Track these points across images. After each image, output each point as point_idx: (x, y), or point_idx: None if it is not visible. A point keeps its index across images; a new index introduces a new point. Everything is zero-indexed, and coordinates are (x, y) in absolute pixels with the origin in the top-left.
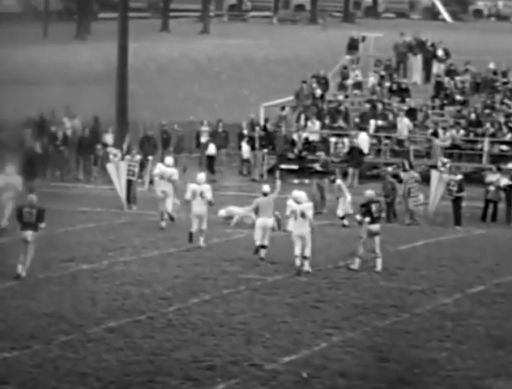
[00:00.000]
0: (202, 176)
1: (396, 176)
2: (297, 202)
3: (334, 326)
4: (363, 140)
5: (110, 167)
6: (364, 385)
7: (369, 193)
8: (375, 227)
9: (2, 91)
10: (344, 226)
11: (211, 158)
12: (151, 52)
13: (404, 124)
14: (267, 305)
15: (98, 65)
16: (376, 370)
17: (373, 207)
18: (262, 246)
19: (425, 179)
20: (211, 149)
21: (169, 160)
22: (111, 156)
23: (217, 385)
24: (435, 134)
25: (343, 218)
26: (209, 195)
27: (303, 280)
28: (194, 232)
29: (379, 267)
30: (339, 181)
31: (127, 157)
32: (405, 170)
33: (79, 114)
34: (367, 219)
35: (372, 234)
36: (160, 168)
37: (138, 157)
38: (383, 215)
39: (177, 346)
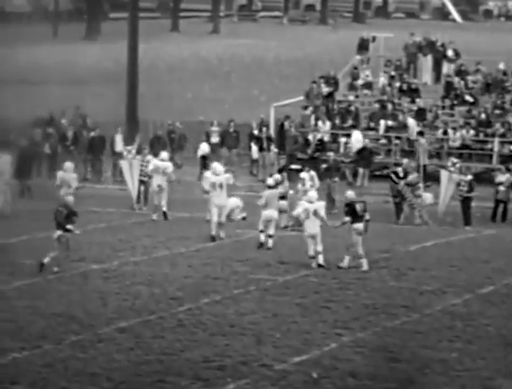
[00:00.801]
0: (220, 167)
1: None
2: (310, 201)
3: (345, 326)
4: (356, 138)
5: (124, 164)
6: (374, 385)
7: (350, 194)
8: (359, 226)
9: (12, 91)
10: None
11: (203, 158)
12: (161, 52)
13: (411, 125)
14: (278, 306)
15: (108, 65)
16: (386, 370)
17: (358, 207)
18: (270, 236)
19: (435, 179)
20: (205, 148)
21: (164, 154)
22: (125, 153)
23: (227, 385)
24: (445, 133)
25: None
26: (231, 181)
27: (313, 281)
28: (214, 234)
29: (365, 266)
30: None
31: (138, 157)
32: (398, 177)
33: (89, 114)
34: (347, 218)
35: (357, 233)
36: (154, 162)
37: (150, 157)
38: (367, 216)
39: (188, 346)
